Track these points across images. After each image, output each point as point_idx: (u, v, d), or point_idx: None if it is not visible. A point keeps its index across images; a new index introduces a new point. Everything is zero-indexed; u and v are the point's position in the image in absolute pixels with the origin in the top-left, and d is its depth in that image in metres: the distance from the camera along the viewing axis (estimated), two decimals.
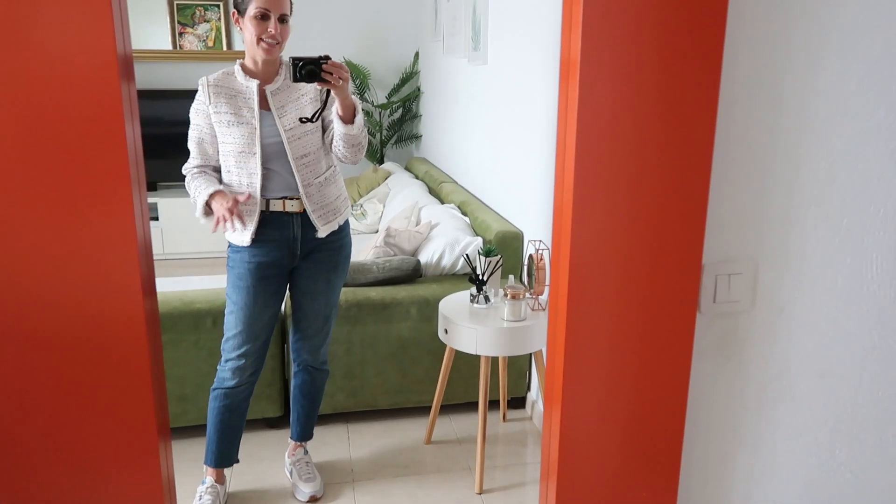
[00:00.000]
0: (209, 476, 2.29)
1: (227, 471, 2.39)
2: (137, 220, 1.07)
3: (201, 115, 2.10)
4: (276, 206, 2.12)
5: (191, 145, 2.13)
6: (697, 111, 1.15)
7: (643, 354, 1.22)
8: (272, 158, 2.09)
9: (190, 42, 5.20)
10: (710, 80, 1.14)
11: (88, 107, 1.02)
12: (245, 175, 2.08)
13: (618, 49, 1.11)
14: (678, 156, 1.16)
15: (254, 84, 2.07)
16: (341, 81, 1.93)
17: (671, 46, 1.12)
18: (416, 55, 5.38)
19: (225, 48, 5.22)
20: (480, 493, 2.39)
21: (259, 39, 2.01)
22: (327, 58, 1.92)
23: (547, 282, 2.48)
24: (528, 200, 2.86)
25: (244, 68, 2.10)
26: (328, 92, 2.02)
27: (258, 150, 2.06)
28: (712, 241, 1.24)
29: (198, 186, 2.08)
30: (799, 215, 1.25)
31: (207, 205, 2.05)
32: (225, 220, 1.99)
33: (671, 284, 1.20)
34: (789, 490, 1.38)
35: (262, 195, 2.09)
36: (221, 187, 2.09)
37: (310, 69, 1.90)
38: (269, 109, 2.09)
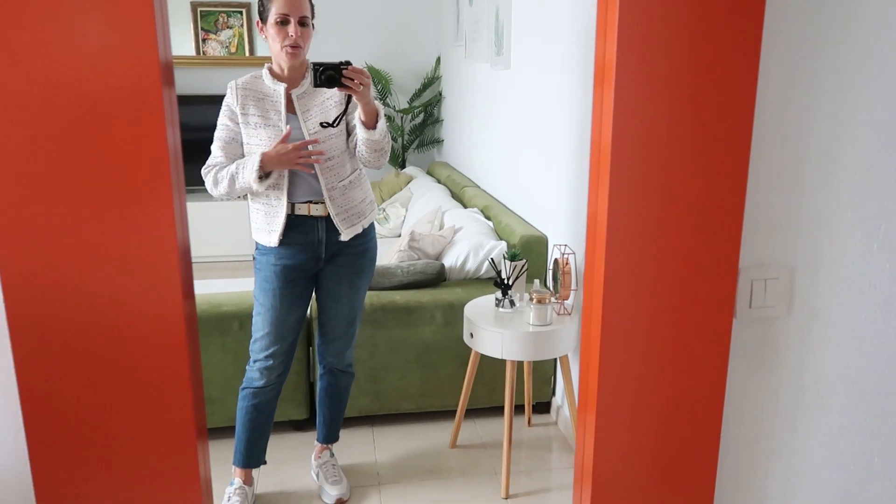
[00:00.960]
0: (237, 477, 2.31)
1: (254, 472, 2.41)
2: (178, 224, 1.09)
3: (228, 116, 2.12)
4: (300, 209, 2.14)
5: (216, 146, 2.14)
6: (734, 115, 1.15)
7: (679, 359, 1.22)
8: None
9: (213, 48, 5.26)
10: (746, 84, 1.14)
11: (132, 112, 1.04)
12: (272, 177, 2.10)
13: (654, 53, 1.11)
14: (714, 160, 1.16)
15: (281, 88, 2.09)
16: (362, 87, 1.94)
17: (708, 50, 1.12)
18: (438, 60, 5.40)
19: (247, 54, 5.28)
20: (507, 498, 2.39)
21: (281, 46, 2.04)
22: (348, 63, 1.93)
23: (573, 286, 2.47)
24: (553, 205, 2.85)
25: (272, 72, 2.13)
26: (350, 97, 2.04)
27: None
28: (748, 246, 1.23)
29: (237, 164, 2.06)
30: (836, 220, 1.24)
31: (260, 173, 2.03)
32: (300, 151, 1.98)
33: (707, 289, 1.19)
34: (824, 498, 1.37)
35: (287, 199, 2.11)
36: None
37: (329, 74, 1.92)
38: (294, 113, 2.11)
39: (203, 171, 2.15)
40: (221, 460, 2.54)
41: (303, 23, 2.05)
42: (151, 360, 1.09)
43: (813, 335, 1.28)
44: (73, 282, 1.06)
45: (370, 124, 2.05)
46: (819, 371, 1.30)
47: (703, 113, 1.14)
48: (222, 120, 2.14)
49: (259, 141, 2.09)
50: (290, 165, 2.03)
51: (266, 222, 2.15)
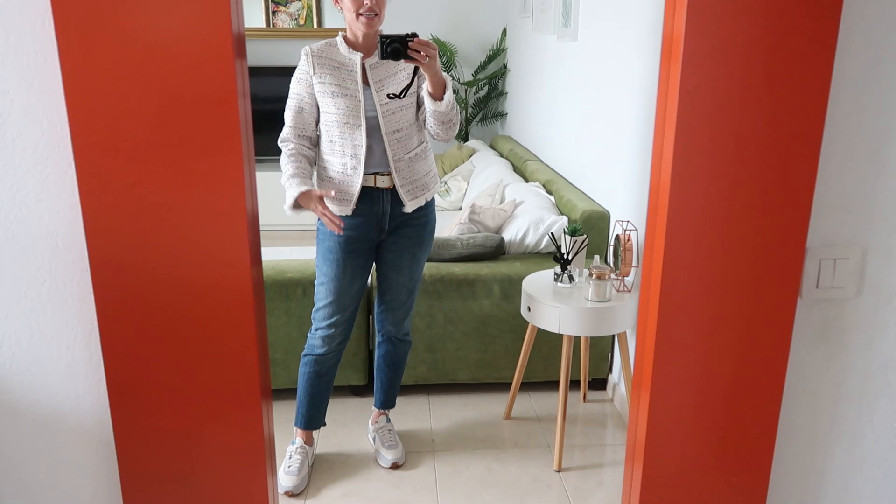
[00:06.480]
0: (299, 437, 2.40)
1: (314, 433, 2.50)
2: (247, 193, 1.13)
3: (303, 85, 2.15)
4: (367, 181, 2.16)
5: (288, 114, 2.18)
6: (807, 90, 1.11)
7: (739, 338, 1.20)
8: (370, 133, 2.13)
9: (282, 20, 5.34)
10: (822, 58, 1.09)
11: (206, 83, 1.07)
12: (349, 146, 2.12)
13: (724, 24, 1.08)
14: (785, 135, 1.12)
15: (357, 57, 2.11)
16: (428, 59, 1.94)
17: (782, 22, 1.07)
18: (504, 32, 5.33)
19: (315, 26, 5.34)
20: (559, 471, 2.41)
21: (357, 14, 2.05)
22: (414, 35, 1.93)
23: (633, 263, 2.44)
24: (616, 180, 2.81)
25: (346, 41, 2.14)
26: (416, 68, 2.04)
27: (363, 122, 2.10)
28: (818, 224, 1.19)
29: (291, 175, 2.10)
30: None
31: (295, 201, 2.09)
32: (325, 216, 2.04)
33: (772, 268, 1.17)
34: (888, 486, 1.33)
35: (364, 169, 2.13)
36: (310, 187, 2.08)
37: (395, 47, 1.91)
38: (367, 83, 2.13)
39: (280, 143, 2.19)
40: (284, 420, 2.64)
41: None
42: (221, 322, 1.15)
43: (884, 318, 1.24)
44: (151, 247, 1.12)
45: (437, 96, 2.05)
46: (889, 355, 1.26)
47: (774, 88, 1.10)
48: (296, 88, 2.16)
49: (337, 109, 2.11)
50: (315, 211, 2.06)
51: (339, 190, 2.18)
